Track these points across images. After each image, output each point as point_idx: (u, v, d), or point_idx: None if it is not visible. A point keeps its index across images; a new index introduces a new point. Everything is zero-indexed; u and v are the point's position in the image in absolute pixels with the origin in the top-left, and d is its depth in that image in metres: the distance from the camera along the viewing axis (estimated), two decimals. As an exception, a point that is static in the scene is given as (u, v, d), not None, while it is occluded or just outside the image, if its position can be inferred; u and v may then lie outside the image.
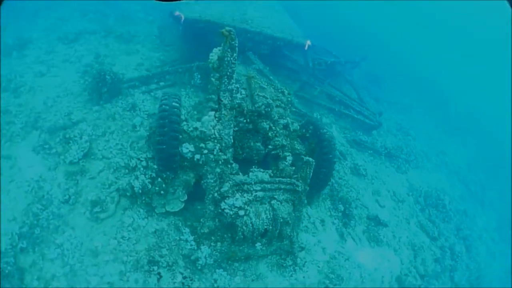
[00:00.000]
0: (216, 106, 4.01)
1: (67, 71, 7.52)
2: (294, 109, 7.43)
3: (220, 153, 3.93)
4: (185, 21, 7.03)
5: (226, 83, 3.80)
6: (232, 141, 4.13)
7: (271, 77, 7.33)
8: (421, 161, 9.12)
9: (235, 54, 3.71)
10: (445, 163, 10.37)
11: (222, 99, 3.84)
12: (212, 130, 3.88)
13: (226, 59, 3.70)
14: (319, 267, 5.37)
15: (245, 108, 4.44)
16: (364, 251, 6.08)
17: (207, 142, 3.91)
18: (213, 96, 5.92)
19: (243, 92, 4.34)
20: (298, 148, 5.57)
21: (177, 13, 6.99)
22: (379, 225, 6.52)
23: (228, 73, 3.75)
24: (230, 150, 4.09)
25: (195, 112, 6.62)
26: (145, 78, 7.26)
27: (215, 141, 3.89)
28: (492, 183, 11.48)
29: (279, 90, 5.69)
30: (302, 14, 11.05)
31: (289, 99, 5.44)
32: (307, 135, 5.79)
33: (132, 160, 5.20)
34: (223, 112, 3.87)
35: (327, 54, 10.14)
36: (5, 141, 6.02)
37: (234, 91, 3.90)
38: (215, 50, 4.11)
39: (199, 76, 7.39)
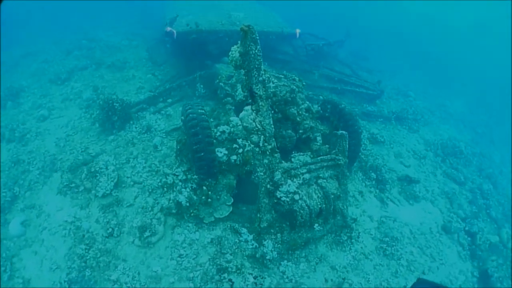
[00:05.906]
0: (249, 101, 4.06)
1: (69, 110, 7.36)
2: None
3: (265, 144, 3.98)
4: (178, 34, 7.05)
5: (256, 75, 3.87)
6: (274, 129, 4.18)
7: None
8: (428, 118, 9.50)
9: (258, 47, 3.79)
10: (449, 113, 10.84)
11: (256, 91, 3.90)
12: (253, 123, 3.93)
13: (251, 52, 3.78)
14: (371, 234, 5.49)
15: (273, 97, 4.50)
16: (406, 210, 6.27)
17: (251, 136, 3.96)
18: (229, 99, 6.00)
19: (275, 81, 4.42)
20: (321, 128, 5.71)
21: (168, 29, 7.01)
22: (411, 183, 6.73)
23: (256, 66, 3.83)
24: (273, 139, 4.14)
25: (212, 120, 6.64)
26: (152, 99, 7.21)
27: (259, 133, 3.94)
28: (495, 121, 12.01)
29: (291, 78, 5.80)
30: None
31: (303, 83, 5.56)
32: (327, 114, 5.94)
33: (169, 177, 5.15)
34: (260, 103, 3.94)
35: (312, 38, 10.38)
36: (24, 191, 5.81)
37: (265, 81, 3.97)
38: (234, 48, 4.17)
39: (201, 86, 7.42)
